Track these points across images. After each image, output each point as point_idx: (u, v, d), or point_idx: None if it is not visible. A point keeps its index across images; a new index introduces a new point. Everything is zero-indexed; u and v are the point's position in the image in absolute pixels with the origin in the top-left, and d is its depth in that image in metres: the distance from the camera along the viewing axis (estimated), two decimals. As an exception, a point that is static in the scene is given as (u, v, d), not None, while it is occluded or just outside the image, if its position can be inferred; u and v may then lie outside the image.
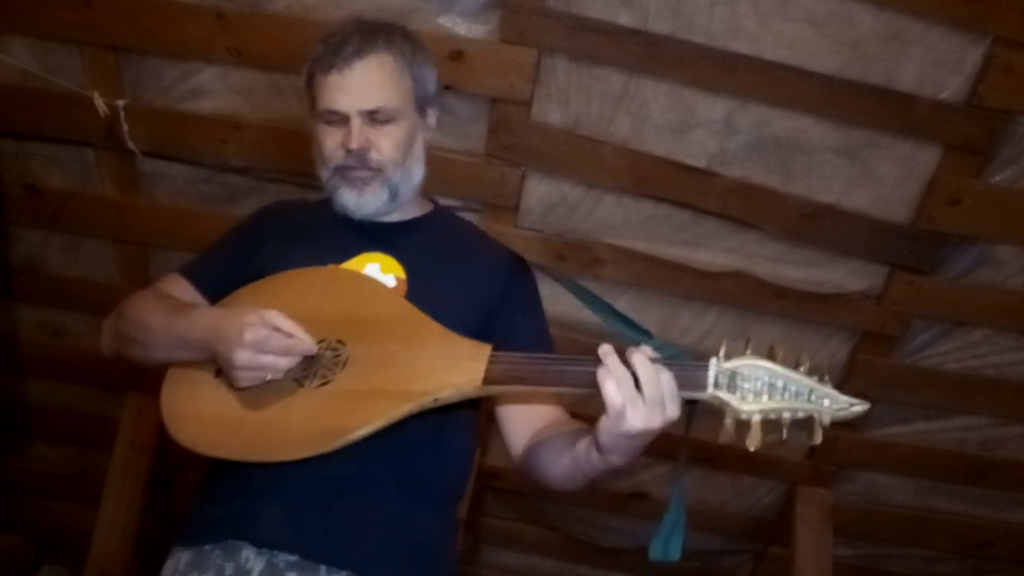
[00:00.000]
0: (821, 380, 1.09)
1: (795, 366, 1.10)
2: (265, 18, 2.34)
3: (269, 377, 1.24)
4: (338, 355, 1.28)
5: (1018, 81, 2.10)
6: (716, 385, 1.10)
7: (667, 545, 1.15)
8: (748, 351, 1.12)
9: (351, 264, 1.41)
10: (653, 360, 1.11)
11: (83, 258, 2.95)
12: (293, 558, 1.23)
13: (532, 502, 3.17)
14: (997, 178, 2.28)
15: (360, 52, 1.39)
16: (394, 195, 1.44)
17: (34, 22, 2.43)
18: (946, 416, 2.71)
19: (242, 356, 1.22)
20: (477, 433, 1.44)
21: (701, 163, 2.38)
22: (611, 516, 3.21)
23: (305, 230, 1.49)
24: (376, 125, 1.40)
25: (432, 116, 1.51)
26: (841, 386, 1.12)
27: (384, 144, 1.41)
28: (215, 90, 2.51)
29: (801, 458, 2.91)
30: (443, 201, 1.65)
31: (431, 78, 1.48)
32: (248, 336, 1.21)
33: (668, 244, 2.54)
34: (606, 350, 1.11)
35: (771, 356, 1.11)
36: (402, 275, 1.40)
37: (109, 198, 2.77)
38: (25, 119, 2.63)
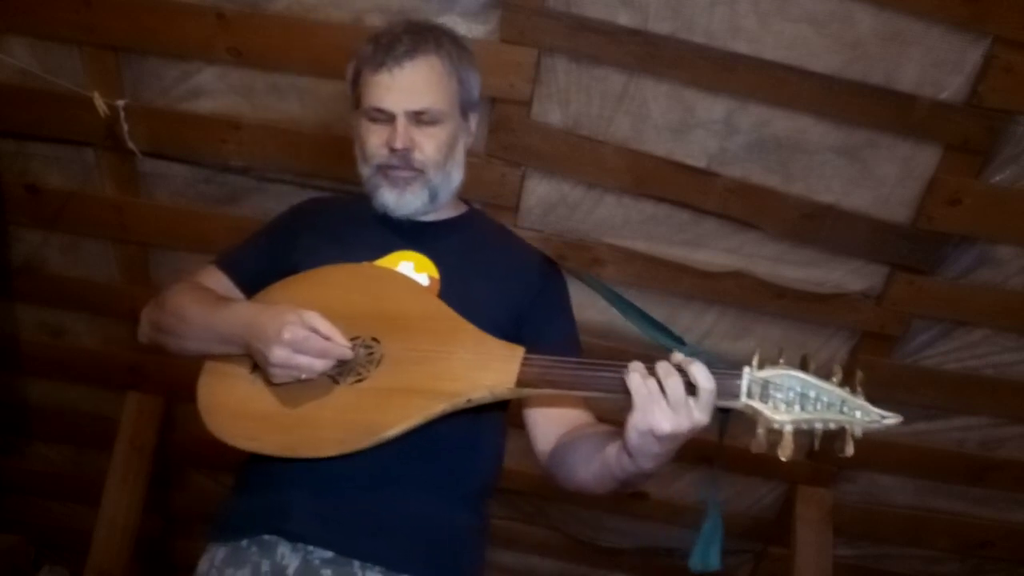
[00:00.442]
0: (853, 391, 1.10)
1: (827, 377, 1.11)
2: (265, 18, 2.34)
3: (304, 377, 1.26)
4: (372, 353, 1.29)
5: (1018, 81, 2.10)
6: (749, 394, 1.11)
7: (707, 554, 1.16)
8: (781, 360, 1.12)
9: (385, 261, 1.42)
10: (675, 362, 1.12)
11: (83, 258, 2.95)
12: (328, 555, 1.24)
13: (532, 502, 3.17)
14: (997, 178, 2.28)
15: (410, 53, 1.40)
16: (434, 197, 1.45)
17: (34, 22, 2.43)
18: (946, 416, 2.71)
19: (279, 354, 1.23)
20: (506, 431, 1.45)
21: (701, 163, 2.38)
22: (611, 516, 3.21)
23: (340, 226, 1.49)
24: (421, 126, 1.41)
25: (473, 121, 1.53)
26: (841, 387, 1.12)
27: (428, 145, 1.42)
28: (215, 90, 2.51)
29: (801, 458, 2.91)
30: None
31: (475, 83, 1.50)
32: (287, 335, 1.23)
33: (668, 244, 2.54)
34: (636, 364, 1.14)
35: (804, 366, 1.12)
36: (435, 274, 1.41)
37: (109, 198, 2.77)
38: (25, 119, 2.63)
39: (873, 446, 2.79)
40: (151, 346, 1.47)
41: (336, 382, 1.27)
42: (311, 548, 1.24)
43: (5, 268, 2.98)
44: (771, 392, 1.10)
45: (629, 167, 2.40)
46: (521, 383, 1.21)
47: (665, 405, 1.09)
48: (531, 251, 1.54)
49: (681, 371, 1.11)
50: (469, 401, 1.23)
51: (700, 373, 1.10)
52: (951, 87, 2.15)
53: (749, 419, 1.12)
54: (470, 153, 1.54)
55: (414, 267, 1.41)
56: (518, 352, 1.24)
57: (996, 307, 2.48)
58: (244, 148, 2.58)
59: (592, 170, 2.43)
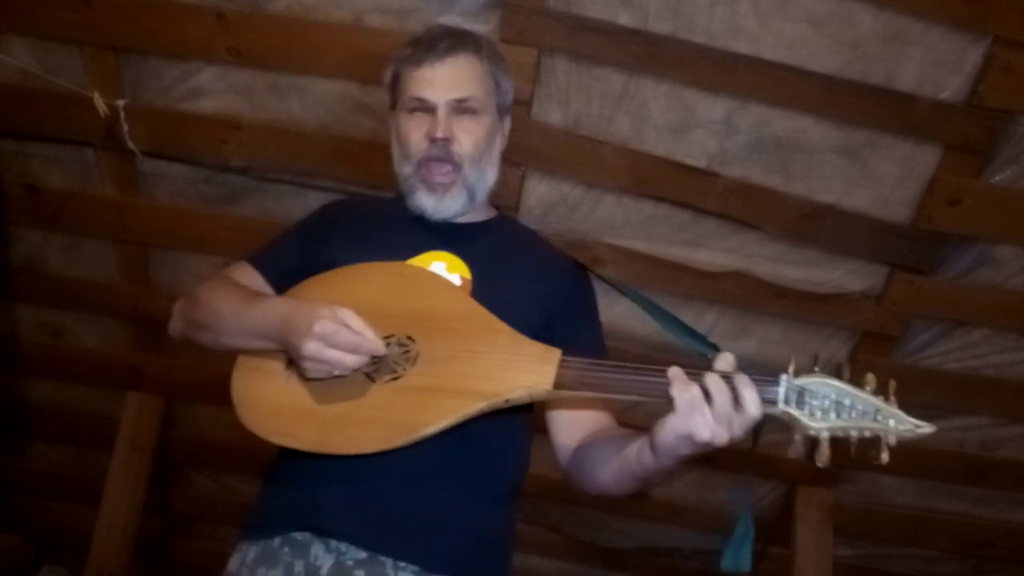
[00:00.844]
0: (887, 400, 1.12)
1: (861, 385, 1.13)
2: (265, 18, 2.34)
3: (336, 373, 1.26)
4: (407, 351, 1.29)
5: (1018, 81, 2.10)
6: (786, 401, 1.12)
7: (738, 556, 1.19)
8: (816, 368, 1.14)
9: (417, 261, 1.42)
10: (726, 375, 1.13)
11: (83, 258, 2.95)
12: (362, 555, 1.24)
13: (533, 502, 3.17)
14: (997, 178, 2.28)
15: (452, 49, 1.45)
16: (472, 197, 1.47)
17: (34, 22, 2.43)
18: (946, 416, 2.71)
19: (311, 346, 1.24)
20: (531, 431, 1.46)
21: (701, 163, 2.38)
22: (611, 516, 3.21)
23: (372, 226, 1.50)
24: (460, 118, 1.44)
25: (507, 125, 1.55)
26: (875, 395, 1.13)
27: (466, 140, 1.44)
28: (215, 90, 2.51)
29: (801, 458, 2.90)
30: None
31: (509, 90, 1.53)
32: (318, 328, 1.23)
33: (668, 244, 2.54)
34: (676, 371, 1.14)
35: (838, 374, 1.13)
36: (467, 275, 1.41)
37: (109, 198, 2.77)
38: (25, 119, 2.63)
39: (873, 446, 2.81)
40: (183, 341, 1.48)
41: (372, 380, 1.27)
42: (344, 547, 1.24)
43: (5, 268, 2.98)
44: (807, 399, 1.12)
45: (629, 167, 2.40)
46: (559, 385, 1.22)
47: (709, 415, 1.11)
48: (561, 255, 1.55)
49: (731, 386, 1.12)
50: (507, 401, 1.23)
51: (751, 400, 1.11)
52: (951, 87, 2.15)
53: (785, 425, 1.13)
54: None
55: (446, 267, 1.42)
56: (555, 354, 1.24)
57: (996, 307, 2.48)
58: (244, 148, 2.58)
59: (592, 170, 2.43)
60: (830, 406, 1.11)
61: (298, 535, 1.26)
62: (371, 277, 1.40)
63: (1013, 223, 2.32)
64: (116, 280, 2.97)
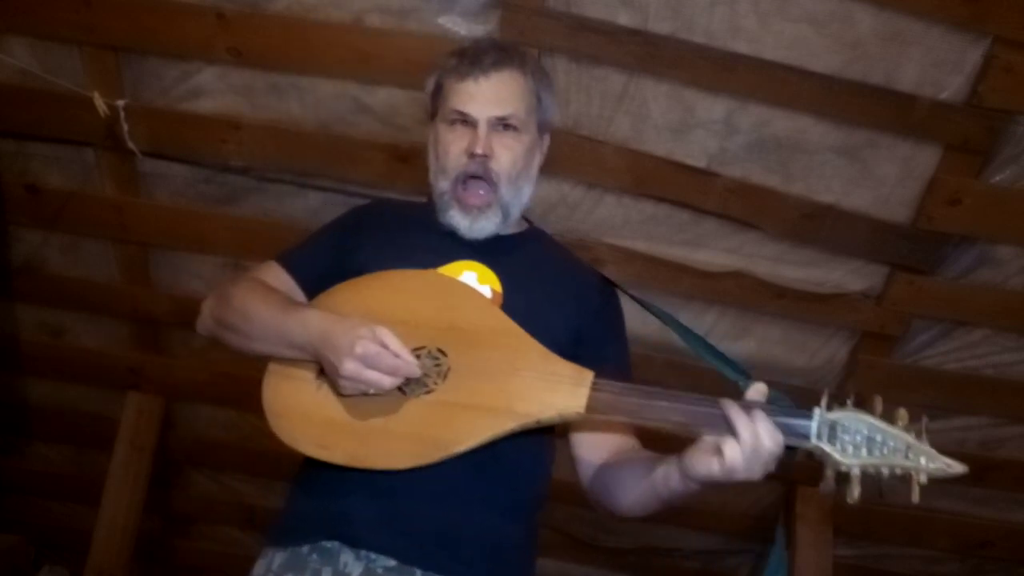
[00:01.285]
0: (919, 437, 1.12)
1: (892, 421, 1.12)
2: (265, 18, 2.34)
3: (372, 392, 1.26)
4: (439, 364, 1.29)
5: (1018, 81, 2.09)
6: (818, 436, 1.12)
7: None
8: (849, 402, 1.13)
9: (447, 269, 1.42)
10: (763, 408, 1.13)
11: (83, 258, 2.95)
12: (391, 563, 1.24)
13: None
14: (997, 178, 2.28)
15: (497, 64, 1.44)
16: (506, 216, 1.47)
17: (34, 22, 2.43)
18: (946, 416, 2.71)
19: (350, 367, 1.23)
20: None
21: (701, 163, 2.38)
22: (611, 517, 3.20)
23: (404, 231, 1.50)
24: (501, 134, 1.44)
25: (546, 142, 1.55)
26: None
27: (504, 157, 1.44)
28: (215, 90, 2.51)
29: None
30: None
31: (552, 107, 1.53)
32: (359, 349, 1.23)
33: (668, 244, 2.54)
34: (728, 403, 1.14)
35: (870, 409, 1.12)
36: (498, 288, 1.41)
37: (109, 198, 2.77)
38: (25, 119, 2.63)
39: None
40: (210, 339, 1.47)
41: (404, 393, 1.27)
42: (373, 556, 1.25)
43: (5, 268, 2.98)
44: (839, 434, 1.12)
45: (629, 167, 2.40)
46: (591, 409, 1.22)
47: (752, 458, 1.12)
48: (591, 272, 1.56)
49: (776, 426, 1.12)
50: (538, 422, 1.23)
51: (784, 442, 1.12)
52: (951, 87, 2.15)
53: (816, 459, 1.13)
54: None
55: (477, 278, 1.42)
56: (587, 376, 1.24)
57: (996, 307, 2.48)
58: (244, 148, 2.57)
59: (592, 170, 2.43)
60: (862, 442, 1.11)
61: (327, 543, 1.27)
62: (405, 284, 1.39)
63: (1013, 223, 2.32)
64: (116, 280, 2.97)
